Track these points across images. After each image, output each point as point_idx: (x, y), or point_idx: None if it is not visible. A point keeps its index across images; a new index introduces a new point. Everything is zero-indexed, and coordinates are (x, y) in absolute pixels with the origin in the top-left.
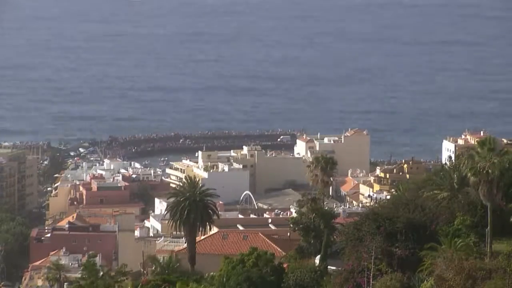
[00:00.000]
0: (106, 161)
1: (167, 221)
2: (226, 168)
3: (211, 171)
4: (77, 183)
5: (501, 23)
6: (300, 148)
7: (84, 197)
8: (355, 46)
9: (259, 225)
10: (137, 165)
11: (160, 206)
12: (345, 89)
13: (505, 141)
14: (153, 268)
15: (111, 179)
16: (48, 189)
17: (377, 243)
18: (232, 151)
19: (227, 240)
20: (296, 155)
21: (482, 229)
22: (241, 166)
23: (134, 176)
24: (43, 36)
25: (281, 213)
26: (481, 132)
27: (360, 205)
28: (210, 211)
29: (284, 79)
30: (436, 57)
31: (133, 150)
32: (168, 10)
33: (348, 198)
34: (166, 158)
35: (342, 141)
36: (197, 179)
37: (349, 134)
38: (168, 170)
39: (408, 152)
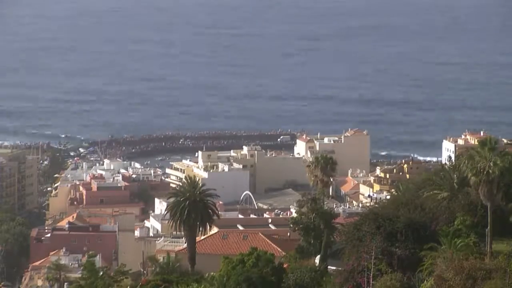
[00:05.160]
0: (106, 161)
1: (167, 221)
2: (226, 168)
3: (211, 171)
4: (77, 183)
5: None
6: (300, 148)
7: (84, 197)
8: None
9: (259, 225)
10: (137, 165)
11: (160, 206)
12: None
13: (505, 141)
14: (153, 268)
15: (111, 179)
16: (48, 189)
17: (377, 243)
18: (232, 151)
19: (227, 240)
20: (296, 155)
21: (482, 229)
22: (241, 166)
23: (134, 176)
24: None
25: (281, 213)
26: (481, 132)
27: (360, 205)
28: (210, 211)
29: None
30: None
31: (133, 150)
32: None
33: (348, 198)
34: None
35: (342, 141)
36: (197, 179)
37: (349, 134)
38: (168, 170)
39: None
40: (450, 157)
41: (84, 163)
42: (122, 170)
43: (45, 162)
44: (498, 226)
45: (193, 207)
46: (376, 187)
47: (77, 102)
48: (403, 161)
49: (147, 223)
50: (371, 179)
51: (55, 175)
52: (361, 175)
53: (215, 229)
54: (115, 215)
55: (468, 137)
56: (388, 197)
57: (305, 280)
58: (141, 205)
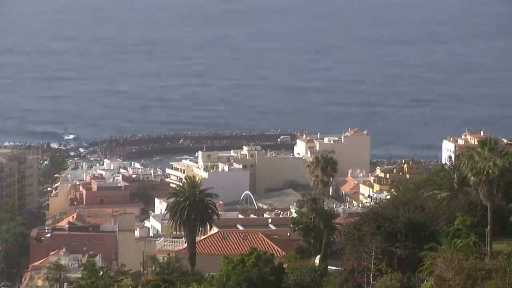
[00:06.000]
0: (106, 161)
1: (167, 221)
2: (226, 168)
3: (211, 171)
4: (77, 183)
5: None
6: (300, 148)
7: (84, 197)
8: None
9: (259, 225)
10: (137, 165)
11: (160, 206)
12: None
13: (505, 141)
14: (153, 268)
15: (111, 179)
16: (48, 189)
17: (377, 243)
18: (232, 151)
19: (227, 240)
20: (296, 155)
21: (482, 229)
22: (241, 166)
23: (134, 176)
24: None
25: (281, 213)
26: (481, 132)
27: (360, 205)
28: (210, 211)
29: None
30: None
31: (133, 150)
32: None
33: (348, 198)
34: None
35: (342, 141)
36: (197, 179)
37: (349, 134)
38: (168, 170)
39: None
40: (450, 157)
41: (84, 163)
42: (122, 170)
43: (45, 162)
44: (498, 226)
45: (193, 207)
46: (376, 187)
47: (77, 102)
48: (403, 161)
49: (147, 223)
50: (371, 179)
51: (55, 175)
52: (361, 175)
53: (215, 229)
54: (115, 215)
55: (468, 137)
56: (388, 197)
57: (305, 280)
58: (141, 205)
